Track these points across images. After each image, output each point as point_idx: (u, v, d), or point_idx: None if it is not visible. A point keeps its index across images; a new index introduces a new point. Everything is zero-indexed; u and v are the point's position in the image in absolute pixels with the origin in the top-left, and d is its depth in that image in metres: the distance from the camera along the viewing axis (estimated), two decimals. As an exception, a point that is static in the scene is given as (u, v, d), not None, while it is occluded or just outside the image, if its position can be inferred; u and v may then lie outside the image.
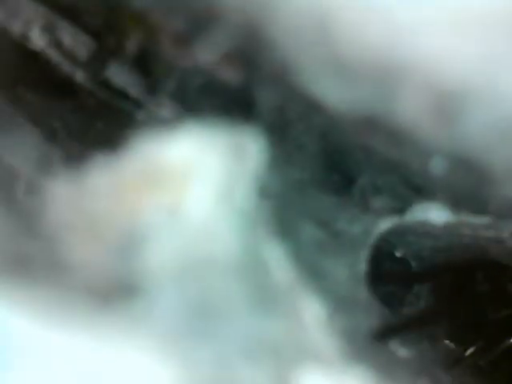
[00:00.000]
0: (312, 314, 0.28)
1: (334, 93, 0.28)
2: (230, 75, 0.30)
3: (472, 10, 0.26)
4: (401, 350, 0.34)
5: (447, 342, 0.37)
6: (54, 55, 0.32)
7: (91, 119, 0.33)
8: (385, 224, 0.33)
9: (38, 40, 0.32)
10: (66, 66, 0.32)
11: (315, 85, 0.29)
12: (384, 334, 0.33)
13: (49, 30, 0.32)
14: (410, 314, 0.37)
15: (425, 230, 0.34)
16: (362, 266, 0.33)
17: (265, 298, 0.27)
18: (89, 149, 0.31)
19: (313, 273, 0.30)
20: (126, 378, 0.24)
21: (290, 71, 0.29)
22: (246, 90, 0.30)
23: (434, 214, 0.32)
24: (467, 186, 0.30)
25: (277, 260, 0.28)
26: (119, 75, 0.32)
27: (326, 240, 0.32)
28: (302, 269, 0.29)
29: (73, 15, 0.32)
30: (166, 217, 0.27)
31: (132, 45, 0.31)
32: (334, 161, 0.32)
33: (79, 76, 0.32)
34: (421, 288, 0.37)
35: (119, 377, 0.24)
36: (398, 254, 0.36)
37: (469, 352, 0.37)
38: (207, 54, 0.30)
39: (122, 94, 0.32)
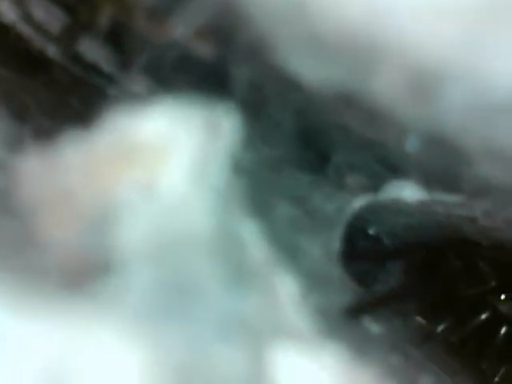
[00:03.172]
0: (286, 291, 0.28)
1: (310, 70, 0.28)
2: (205, 50, 0.30)
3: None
4: (373, 327, 0.34)
5: (419, 318, 0.38)
6: (24, 29, 0.31)
7: (63, 94, 0.32)
8: (359, 202, 0.33)
9: (8, 13, 0.31)
10: (37, 41, 0.31)
11: (291, 61, 0.28)
12: (357, 311, 0.34)
13: (19, 2, 0.31)
14: (383, 290, 0.37)
15: (398, 208, 0.34)
16: (336, 243, 0.33)
17: (239, 276, 0.27)
18: (61, 124, 0.31)
19: (287, 251, 0.30)
20: (93, 360, 0.24)
21: (265, 47, 0.28)
22: (220, 65, 0.30)
23: (408, 192, 0.33)
24: (441, 164, 0.31)
25: (251, 238, 0.28)
26: (92, 50, 0.32)
27: (301, 218, 0.32)
28: (277, 247, 0.29)
29: (44, -13, 0.31)
30: (139, 193, 0.27)
31: (105, 19, 0.31)
32: (309, 138, 0.32)
33: (51, 50, 0.32)
34: (393, 265, 0.37)
35: (87, 360, 0.24)
36: (371, 232, 0.37)
37: (440, 328, 0.37)
38: (181, 29, 0.29)
39: (95, 69, 0.32)
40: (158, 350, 0.25)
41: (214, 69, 0.30)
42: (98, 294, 0.25)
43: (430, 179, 0.32)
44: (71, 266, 0.26)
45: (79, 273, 0.26)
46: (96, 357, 0.24)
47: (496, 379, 0.38)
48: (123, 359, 0.24)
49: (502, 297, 0.37)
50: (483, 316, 0.37)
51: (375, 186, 0.33)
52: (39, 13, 0.31)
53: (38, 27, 0.31)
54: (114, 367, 0.24)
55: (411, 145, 0.30)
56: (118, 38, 0.31)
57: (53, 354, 0.23)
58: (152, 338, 0.25)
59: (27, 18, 0.31)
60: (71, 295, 0.25)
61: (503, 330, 0.37)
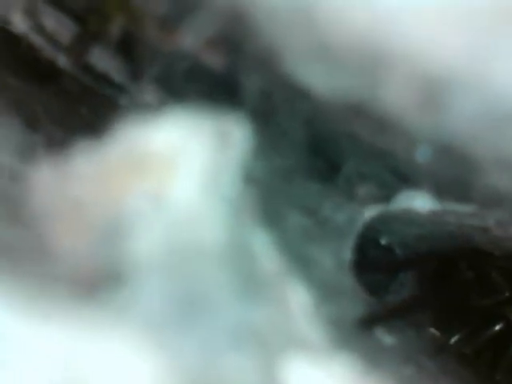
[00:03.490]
0: (298, 301, 0.28)
1: (319, 79, 0.28)
2: (215, 60, 0.30)
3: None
4: (386, 338, 0.34)
5: (432, 329, 0.37)
6: (36, 39, 0.31)
7: (74, 104, 0.32)
8: (370, 212, 0.33)
9: (19, 24, 0.31)
10: (48, 51, 0.32)
11: (301, 71, 0.28)
12: (369, 322, 0.33)
13: (31, 13, 0.31)
14: (395, 301, 0.37)
15: (410, 218, 0.34)
16: (347, 253, 0.33)
17: (250, 286, 0.27)
18: (72, 134, 0.31)
19: (298, 261, 0.30)
20: (103, 367, 0.24)
21: (275, 57, 0.28)
22: (230, 75, 0.30)
23: (419, 202, 0.32)
24: (452, 174, 0.30)
25: (262, 248, 0.28)
26: (102, 60, 0.32)
27: (312, 228, 0.32)
28: (288, 257, 0.29)
29: (55, -1, 0.31)
30: (150, 203, 0.27)
31: (115, 29, 0.31)
32: (320, 148, 0.32)
33: (62, 60, 0.32)
34: (405, 276, 0.37)
35: (96, 367, 0.24)
36: (382, 242, 0.36)
37: (453, 340, 0.37)
38: (192, 39, 0.30)
39: (106, 79, 0.32)
40: (169, 359, 0.25)
41: (224, 78, 0.30)
42: (109, 304, 0.25)
43: (441, 189, 0.32)
44: (82, 276, 0.26)
45: (90, 282, 0.26)
46: (105, 364, 0.24)
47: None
48: (133, 367, 0.24)
49: (516, 308, 0.37)
50: (497, 327, 0.37)
51: (386, 196, 0.33)
52: (50, 23, 0.31)
53: (49, 37, 0.31)
54: (124, 375, 0.24)
55: (421, 154, 0.30)
56: (128, 48, 0.31)
57: (63, 360, 0.23)
58: (163, 347, 0.25)
59: (38, 28, 0.31)
60: (82, 304, 0.25)
61: (517, 341, 0.37)
